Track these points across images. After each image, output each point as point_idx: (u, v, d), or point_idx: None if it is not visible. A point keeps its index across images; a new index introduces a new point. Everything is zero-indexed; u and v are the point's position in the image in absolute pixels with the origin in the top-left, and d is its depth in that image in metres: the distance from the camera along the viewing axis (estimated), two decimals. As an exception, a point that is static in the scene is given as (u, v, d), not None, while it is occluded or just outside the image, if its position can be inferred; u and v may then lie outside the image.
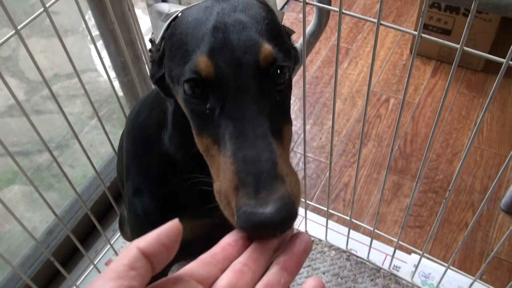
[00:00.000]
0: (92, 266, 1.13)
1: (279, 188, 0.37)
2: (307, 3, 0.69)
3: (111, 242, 1.08)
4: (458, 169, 0.80)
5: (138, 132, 0.67)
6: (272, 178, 0.37)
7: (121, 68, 1.09)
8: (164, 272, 0.63)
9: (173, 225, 0.31)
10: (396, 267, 1.15)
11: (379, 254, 1.18)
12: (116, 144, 0.86)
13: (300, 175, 1.31)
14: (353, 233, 1.21)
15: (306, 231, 1.21)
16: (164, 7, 0.51)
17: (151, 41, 0.54)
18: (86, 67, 1.59)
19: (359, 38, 1.74)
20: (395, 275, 1.13)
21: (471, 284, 0.99)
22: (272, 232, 0.35)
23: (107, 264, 1.19)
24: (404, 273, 1.14)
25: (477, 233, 1.22)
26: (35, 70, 0.69)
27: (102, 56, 1.08)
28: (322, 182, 1.34)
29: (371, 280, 1.12)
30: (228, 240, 0.35)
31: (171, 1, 0.55)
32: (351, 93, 1.56)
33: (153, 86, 0.55)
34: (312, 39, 1.19)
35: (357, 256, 1.16)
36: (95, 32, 1.18)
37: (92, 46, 1.54)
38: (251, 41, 0.43)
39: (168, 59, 0.49)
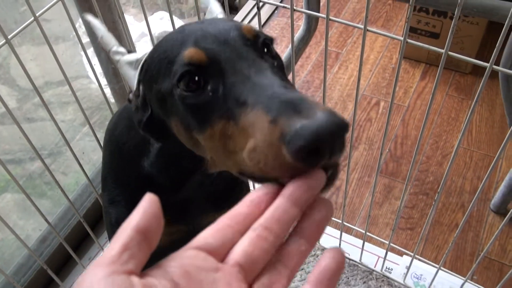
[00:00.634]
0: (85, 273, 1.13)
1: (317, 106, 0.32)
2: (294, 10, 0.70)
3: (104, 249, 1.08)
4: (447, 171, 0.81)
5: (115, 146, 0.66)
6: (306, 101, 0.33)
7: (112, 75, 1.10)
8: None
9: (148, 196, 0.29)
10: (389, 269, 1.16)
11: (372, 256, 1.19)
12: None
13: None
14: (345, 236, 1.22)
15: (298, 234, 1.21)
16: (132, 56, 0.52)
17: (129, 100, 0.54)
18: (78, 74, 1.59)
19: (349, 42, 1.75)
20: (388, 277, 1.14)
21: (462, 285, 1.00)
22: (331, 146, 0.31)
23: (100, 271, 1.19)
24: (397, 275, 1.15)
25: (468, 234, 1.23)
26: (27, 78, 0.69)
27: (94, 63, 1.09)
28: (314, 186, 1.34)
29: (364, 282, 1.13)
30: (252, 197, 0.30)
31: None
32: (342, 97, 1.57)
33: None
34: (302, 45, 1.21)
35: (350, 259, 1.17)
36: (86, 39, 1.19)
37: (83, 53, 1.54)
38: (230, 25, 0.44)
39: (151, 89, 0.48)
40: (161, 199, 0.67)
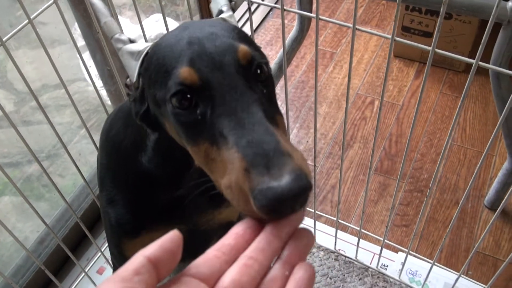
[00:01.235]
0: (83, 274, 1.14)
1: (288, 162, 0.36)
2: (285, 10, 0.72)
3: (102, 250, 1.09)
4: (437, 168, 0.83)
5: (111, 146, 0.67)
6: (279, 154, 0.37)
7: (108, 77, 1.11)
8: None
9: (173, 232, 0.32)
10: (384, 265, 1.17)
11: (367, 253, 1.20)
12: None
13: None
14: (341, 234, 1.23)
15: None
16: (134, 46, 0.52)
17: (127, 85, 0.55)
18: (75, 76, 1.60)
19: (343, 42, 1.77)
20: (383, 274, 1.15)
21: (457, 280, 1.01)
22: (292, 205, 0.35)
23: (98, 271, 1.20)
24: (392, 271, 1.16)
25: (462, 230, 1.25)
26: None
27: (89, 65, 1.10)
28: (310, 185, 1.36)
29: (360, 279, 1.14)
30: (237, 230, 0.34)
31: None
32: (337, 96, 1.58)
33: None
34: (295, 45, 1.22)
35: (346, 256, 1.19)
36: (82, 42, 1.20)
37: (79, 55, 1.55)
38: (227, 44, 0.45)
39: (149, 88, 0.49)
40: (159, 198, 0.68)
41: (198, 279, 0.31)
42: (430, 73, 1.63)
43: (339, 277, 1.15)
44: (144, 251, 0.30)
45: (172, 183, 0.62)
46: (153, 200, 0.64)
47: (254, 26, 1.83)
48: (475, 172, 0.77)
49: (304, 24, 1.17)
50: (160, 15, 1.73)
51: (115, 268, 0.91)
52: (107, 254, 1.20)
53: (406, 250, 1.07)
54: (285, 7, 0.72)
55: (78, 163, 0.89)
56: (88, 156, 1.39)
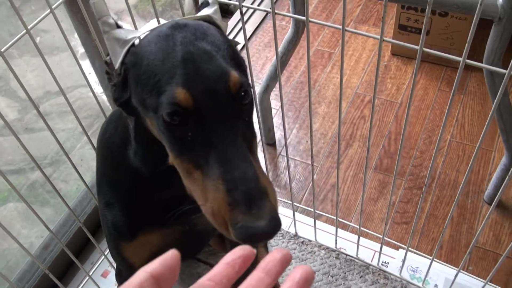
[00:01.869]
0: (87, 278, 1.16)
1: (266, 204, 0.45)
2: (276, 13, 0.73)
3: (106, 253, 1.11)
4: (431, 164, 0.84)
5: (105, 150, 0.69)
6: (259, 194, 0.45)
7: (107, 83, 1.13)
8: None
9: (172, 251, 0.34)
10: (385, 263, 1.18)
11: (368, 251, 1.21)
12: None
13: (286, 177, 1.35)
14: (342, 232, 1.25)
15: (295, 232, 1.24)
16: (121, 33, 0.53)
17: (107, 63, 0.56)
18: (77, 83, 1.62)
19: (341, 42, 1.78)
20: (384, 271, 1.16)
21: (456, 275, 1.02)
22: (265, 240, 0.45)
23: (103, 275, 1.21)
24: (393, 268, 1.17)
25: (462, 226, 1.25)
26: (27, 88, 0.72)
27: (89, 72, 1.12)
28: (310, 184, 1.37)
29: (361, 276, 1.15)
30: (226, 260, 0.36)
31: (125, 27, 0.56)
32: (336, 96, 1.59)
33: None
34: (291, 46, 1.23)
35: (346, 254, 1.20)
36: (82, 49, 1.22)
37: (82, 62, 1.57)
38: (220, 70, 0.48)
39: (136, 87, 0.51)
40: (154, 200, 0.69)
41: None
42: (428, 71, 1.64)
43: (340, 275, 1.16)
44: (146, 267, 0.32)
45: (160, 180, 0.63)
46: (148, 202, 0.66)
47: (253, 28, 1.84)
48: (469, 166, 0.78)
49: (299, 26, 1.18)
50: (161, 20, 1.75)
51: (117, 270, 0.93)
52: (111, 257, 1.22)
53: (406, 246, 1.08)
54: (282, 11, 0.73)
55: (81, 168, 0.90)
56: (90, 162, 1.40)
